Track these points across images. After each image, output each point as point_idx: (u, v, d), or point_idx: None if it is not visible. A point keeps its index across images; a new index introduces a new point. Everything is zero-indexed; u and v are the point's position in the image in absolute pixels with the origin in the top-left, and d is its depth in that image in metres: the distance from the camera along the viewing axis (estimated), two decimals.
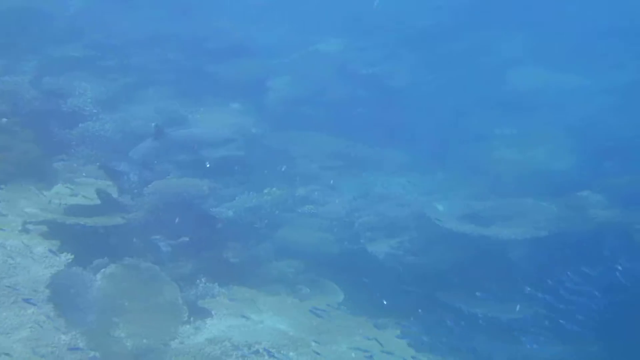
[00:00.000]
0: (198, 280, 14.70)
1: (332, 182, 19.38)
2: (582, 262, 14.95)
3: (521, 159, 20.91)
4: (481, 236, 15.92)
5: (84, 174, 16.57)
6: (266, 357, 12.54)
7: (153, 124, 17.66)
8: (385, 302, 14.53)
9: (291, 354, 12.80)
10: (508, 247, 15.85)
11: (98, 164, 17.46)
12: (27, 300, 11.85)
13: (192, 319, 13.54)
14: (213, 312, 13.79)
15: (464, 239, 15.99)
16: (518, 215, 16.93)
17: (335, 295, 15.21)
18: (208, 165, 17.35)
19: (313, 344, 13.13)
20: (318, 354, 12.72)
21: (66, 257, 13.26)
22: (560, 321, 14.11)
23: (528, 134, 22.11)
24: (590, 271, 14.72)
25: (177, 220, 15.44)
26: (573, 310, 14.29)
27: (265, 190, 17.88)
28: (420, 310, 14.82)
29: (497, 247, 15.81)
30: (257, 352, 12.63)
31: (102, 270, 13.66)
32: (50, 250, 13.18)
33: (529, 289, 14.76)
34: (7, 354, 10.91)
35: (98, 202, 15.18)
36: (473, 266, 15.65)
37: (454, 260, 15.92)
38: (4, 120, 17.05)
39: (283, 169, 18.89)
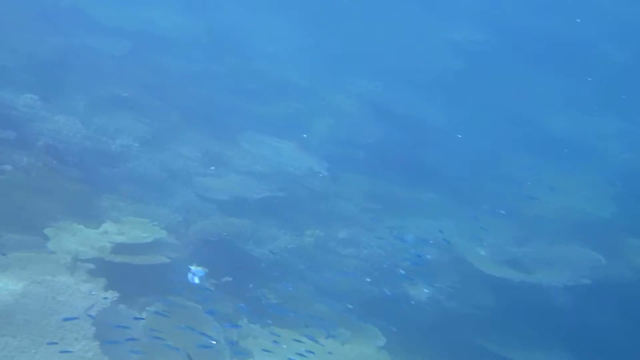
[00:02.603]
0: (240, 321, 14.81)
1: (371, 224, 19.43)
2: (626, 311, 14.89)
3: (560, 204, 20.87)
4: (523, 282, 15.92)
5: (130, 213, 16.76)
6: None
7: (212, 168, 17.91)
8: (426, 347, 14.56)
9: None
10: (550, 294, 15.81)
11: (144, 203, 17.68)
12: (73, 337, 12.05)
13: (233, 358, 13.65)
14: (254, 353, 13.91)
15: (506, 285, 16.01)
16: (561, 262, 16.90)
17: (376, 339, 15.21)
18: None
19: None
20: None
21: (112, 294, 13.47)
22: None
23: (567, 178, 22.11)
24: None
25: (221, 260, 15.64)
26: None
27: (307, 232, 18.03)
28: (461, 356, 14.81)
29: (540, 294, 15.78)
30: None
31: (147, 308, 13.87)
32: (96, 288, 13.38)
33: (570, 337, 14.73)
34: None
35: (144, 241, 15.37)
36: (515, 312, 15.64)
37: (496, 306, 15.91)
38: (55, 162, 17.34)
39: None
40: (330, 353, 14.46)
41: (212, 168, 17.80)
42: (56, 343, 11.60)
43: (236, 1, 33.61)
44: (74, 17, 27.99)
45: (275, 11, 32.03)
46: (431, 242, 18.45)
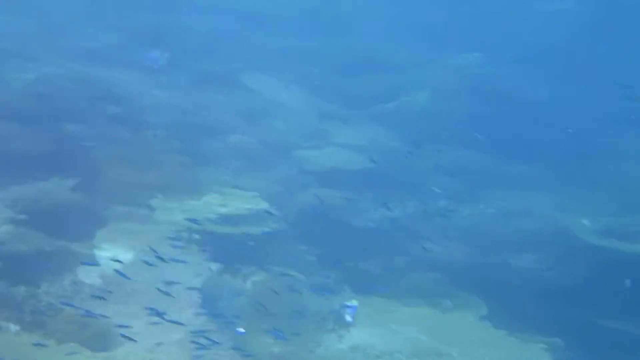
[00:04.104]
0: (342, 291, 15.01)
1: (470, 196, 19.40)
2: None
3: None
4: (628, 252, 15.69)
5: (232, 185, 17.07)
6: None
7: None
8: (528, 318, 14.52)
9: None
10: None
11: (245, 175, 17.97)
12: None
13: (335, 327, 13.90)
14: (356, 322, 14.08)
15: (610, 255, 15.80)
16: None
17: (478, 309, 15.18)
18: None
19: (455, 354, 13.27)
20: None
21: (216, 264, 13.83)
22: None
23: None
24: None
25: (321, 231, 15.86)
26: None
27: (406, 202, 18.10)
28: (563, 326, 14.71)
29: None
30: None
31: (251, 278, 14.20)
32: (201, 258, 13.75)
33: None
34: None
35: (245, 212, 15.66)
36: (620, 282, 15.43)
37: (598, 276, 15.69)
38: (158, 132, 17.76)
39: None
40: (431, 322, 14.57)
41: None
42: (164, 312, 11.95)
43: None
44: None
45: None
46: (532, 213, 18.36)
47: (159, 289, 12.34)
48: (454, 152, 21.49)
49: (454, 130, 22.35)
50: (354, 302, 14.28)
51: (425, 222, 18.09)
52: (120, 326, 11.47)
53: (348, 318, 14.12)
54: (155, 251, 12.43)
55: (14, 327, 11.75)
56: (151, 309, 11.63)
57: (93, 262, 13.29)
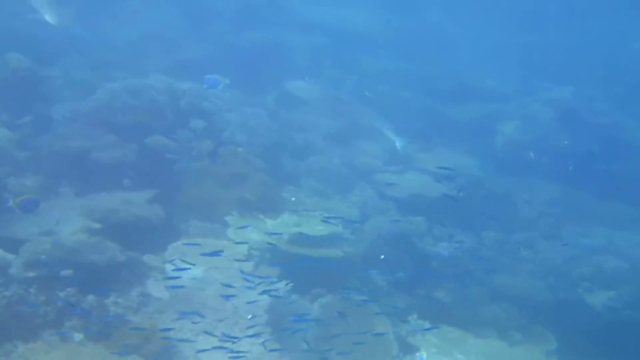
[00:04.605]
0: (410, 317, 14.85)
1: (550, 229, 19.06)
2: None
3: None
4: None
5: (309, 206, 17.11)
6: None
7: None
8: (598, 356, 14.20)
9: None
10: None
11: (323, 196, 18.01)
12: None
13: (401, 354, 13.76)
14: (422, 349, 13.94)
15: None
16: None
17: (547, 344, 14.90)
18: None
19: None
20: None
21: (286, 284, 13.86)
22: None
23: None
24: None
25: (395, 257, 15.77)
26: None
27: (483, 233, 17.90)
28: None
29: None
30: None
31: (319, 299, 14.18)
32: (271, 277, 13.78)
33: None
34: None
35: (320, 233, 15.64)
36: None
37: None
38: (241, 149, 17.93)
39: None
40: (497, 353, 14.35)
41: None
42: (230, 328, 12.03)
43: (435, 2, 33.75)
44: (272, 12, 28.94)
45: (475, 12, 31.77)
46: (615, 251, 17.95)
47: (226, 305, 12.45)
48: (540, 185, 21.12)
49: (540, 162, 21.98)
50: (424, 355, 14.18)
51: (502, 254, 17.83)
52: (184, 341, 11.61)
53: None
54: (225, 268, 12.53)
55: (78, 336, 12.00)
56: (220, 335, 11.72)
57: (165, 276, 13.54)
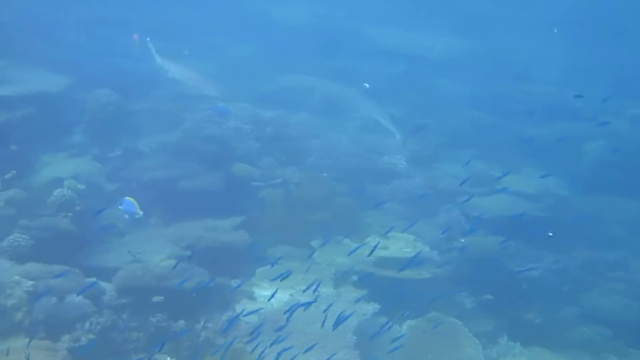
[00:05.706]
0: (500, 338, 14.71)
1: None
2: None
3: None
4: None
5: (394, 229, 17.08)
6: None
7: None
8: None
9: None
10: None
11: (408, 219, 17.94)
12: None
13: None
14: None
15: None
16: None
17: None
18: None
19: None
20: None
21: (373, 306, 13.86)
22: None
23: None
24: None
25: (483, 278, 15.63)
26: None
27: (573, 254, 17.64)
28: None
29: None
30: None
31: (407, 321, 14.13)
32: (358, 299, 13.80)
33: None
34: None
35: (406, 255, 15.59)
36: None
37: None
38: (325, 174, 18.07)
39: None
40: None
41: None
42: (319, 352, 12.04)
43: (509, 24, 33.55)
44: (354, 39, 29.22)
45: (551, 33, 31.44)
46: None
47: (314, 328, 12.47)
48: (630, 204, 20.70)
49: (629, 181, 21.53)
50: None
51: (594, 275, 17.54)
52: None
53: None
54: (312, 291, 12.54)
55: None
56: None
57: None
